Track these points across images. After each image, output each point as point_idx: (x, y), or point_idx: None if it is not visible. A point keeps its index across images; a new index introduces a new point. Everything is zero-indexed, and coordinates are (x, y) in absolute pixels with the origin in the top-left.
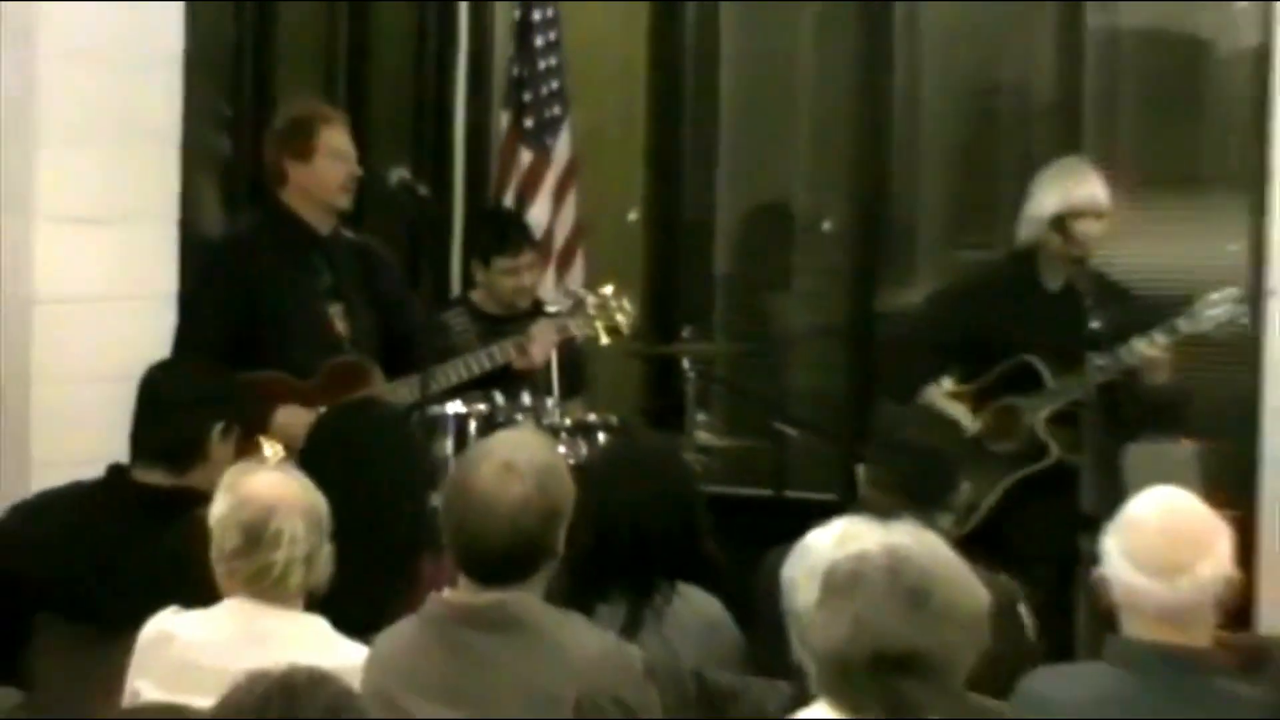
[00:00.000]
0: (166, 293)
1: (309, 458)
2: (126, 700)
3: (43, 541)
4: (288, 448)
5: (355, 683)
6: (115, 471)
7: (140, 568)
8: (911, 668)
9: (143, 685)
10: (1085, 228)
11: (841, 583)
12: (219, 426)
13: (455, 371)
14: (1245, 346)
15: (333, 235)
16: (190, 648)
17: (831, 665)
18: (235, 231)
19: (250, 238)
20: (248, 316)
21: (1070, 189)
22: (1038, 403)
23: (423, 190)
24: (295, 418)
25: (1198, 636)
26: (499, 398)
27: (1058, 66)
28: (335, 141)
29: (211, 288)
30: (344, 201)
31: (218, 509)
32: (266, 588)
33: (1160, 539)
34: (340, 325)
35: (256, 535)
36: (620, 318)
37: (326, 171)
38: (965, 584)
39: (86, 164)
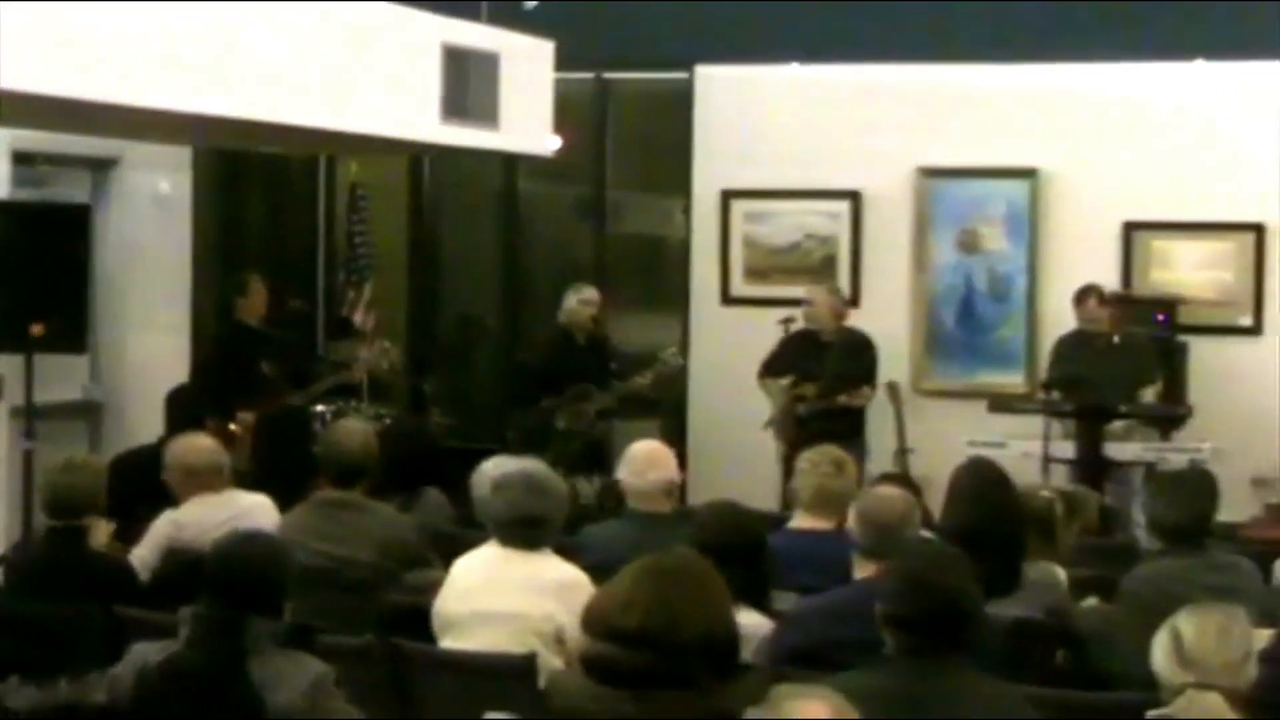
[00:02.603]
0: (185, 360)
1: (259, 432)
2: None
3: (136, 467)
4: (244, 426)
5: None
6: (162, 439)
7: None
8: (535, 524)
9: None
10: (592, 312)
11: (503, 482)
12: (210, 416)
13: (324, 388)
14: (682, 374)
15: (261, 329)
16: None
17: (497, 523)
18: (221, 331)
19: (226, 335)
20: (224, 370)
21: (586, 295)
22: (592, 405)
23: (306, 308)
24: (248, 415)
25: (662, 507)
26: (342, 402)
27: (594, 249)
28: (259, 288)
29: (212, 356)
30: (263, 313)
31: (188, 459)
32: (217, 485)
33: (641, 459)
34: (269, 370)
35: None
36: (395, 361)
37: (253, 301)
38: (559, 483)
39: (150, 307)
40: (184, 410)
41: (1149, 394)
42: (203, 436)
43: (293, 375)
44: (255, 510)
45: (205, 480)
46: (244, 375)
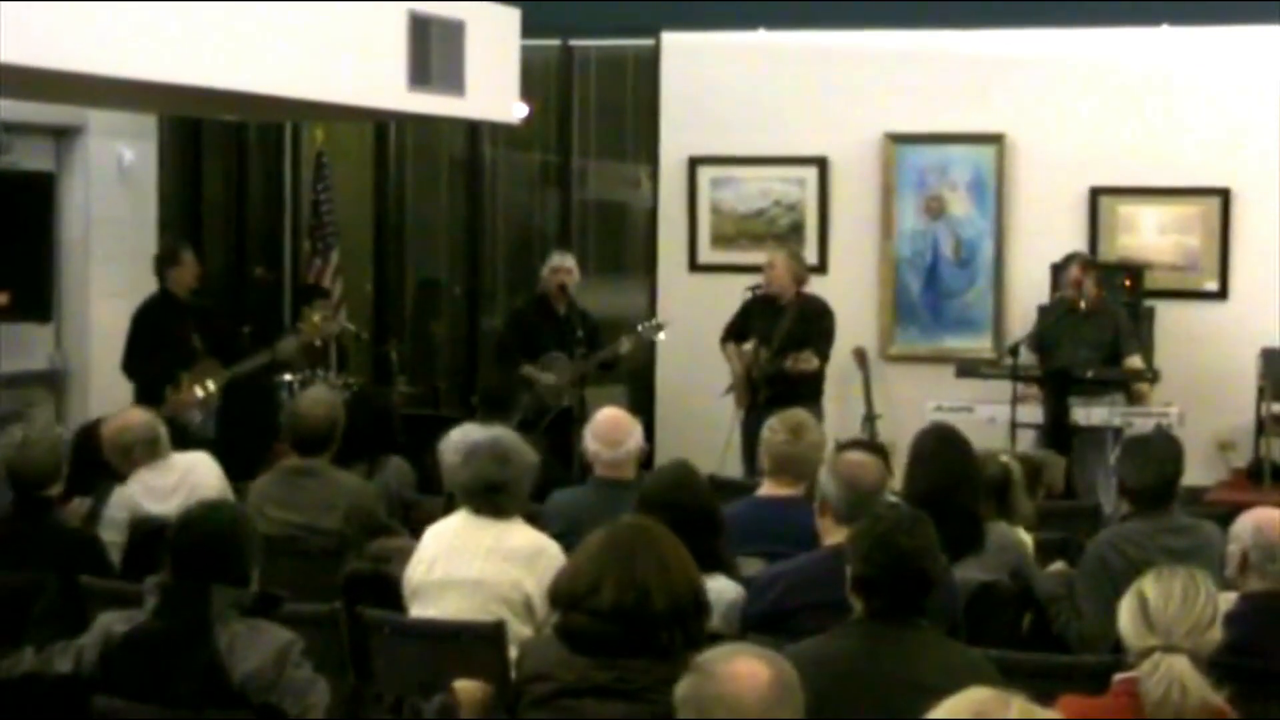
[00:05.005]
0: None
1: (226, 397)
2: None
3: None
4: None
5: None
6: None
7: None
8: (500, 491)
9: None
10: (565, 279)
11: (472, 451)
12: (171, 383)
13: (251, 367)
14: (649, 348)
15: (188, 299)
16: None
17: (465, 491)
18: (148, 301)
19: (154, 303)
20: (155, 337)
21: (556, 262)
22: (569, 372)
23: (270, 276)
24: (191, 385)
25: (627, 474)
26: (309, 371)
27: (560, 216)
28: (188, 259)
29: (139, 326)
30: (193, 285)
31: (125, 439)
32: (158, 454)
33: (608, 428)
34: (196, 342)
35: (156, 436)
36: (360, 334)
37: (184, 273)
38: (526, 451)
39: (115, 275)
40: (153, 378)
41: (1138, 362)
42: (134, 411)
43: (219, 349)
44: (198, 466)
45: (145, 454)
46: (173, 347)
